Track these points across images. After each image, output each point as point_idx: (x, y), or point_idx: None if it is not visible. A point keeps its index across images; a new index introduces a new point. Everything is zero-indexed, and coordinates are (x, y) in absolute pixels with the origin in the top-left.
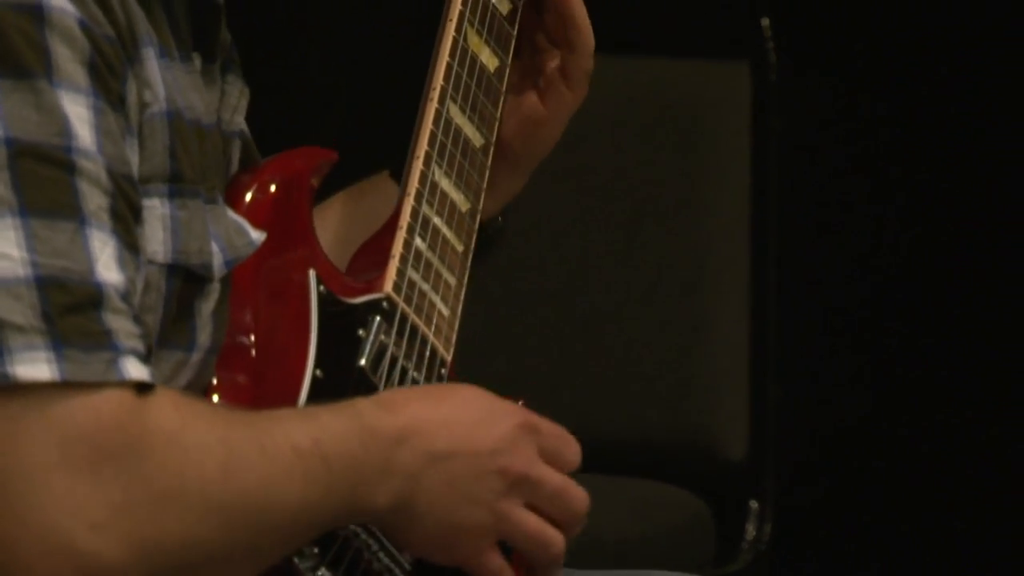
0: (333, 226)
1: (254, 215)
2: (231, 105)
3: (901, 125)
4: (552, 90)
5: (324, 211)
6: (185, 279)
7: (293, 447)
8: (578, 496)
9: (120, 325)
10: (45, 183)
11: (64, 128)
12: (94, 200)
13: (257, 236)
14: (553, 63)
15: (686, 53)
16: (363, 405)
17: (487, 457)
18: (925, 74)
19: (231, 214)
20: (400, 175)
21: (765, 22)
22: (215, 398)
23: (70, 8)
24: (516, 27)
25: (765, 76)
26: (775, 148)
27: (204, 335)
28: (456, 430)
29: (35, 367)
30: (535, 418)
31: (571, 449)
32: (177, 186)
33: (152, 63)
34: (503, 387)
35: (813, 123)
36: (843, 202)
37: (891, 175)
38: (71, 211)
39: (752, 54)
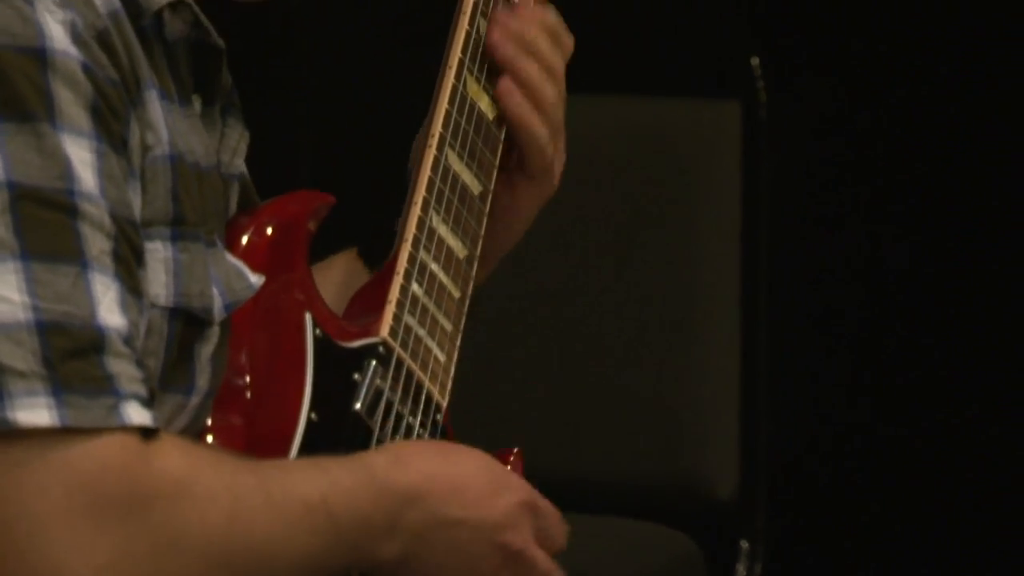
0: (332, 291)
1: (251, 258)
2: (231, 148)
3: (893, 165)
4: (518, 182)
5: (325, 272)
6: (186, 323)
7: (301, 500)
8: None
9: (122, 370)
10: (47, 227)
11: (66, 171)
12: (96, 244)
13: (256, 280)
14: (515, 155)
15: (676, 92)
16: (376, 461)
17: (491, 530)
18: (916, 113)
19: (230, 258)
20: (366, 255)
21: (755, 61)
22: (210, 439)
23: (73, 51)
24: None
25: (755, 115)
26: (765, 187)
27: (203, 379)
28: (467, 497)
29: (36, 413)
30: (536, 497)
31: (561, 531)
32: (179, 229)
33: (155, 106)
34: (494, 427)
35: (803, 162)
36: (834, 242)
37: (882, 215)
38: (73, 255)
39: (742, 93)
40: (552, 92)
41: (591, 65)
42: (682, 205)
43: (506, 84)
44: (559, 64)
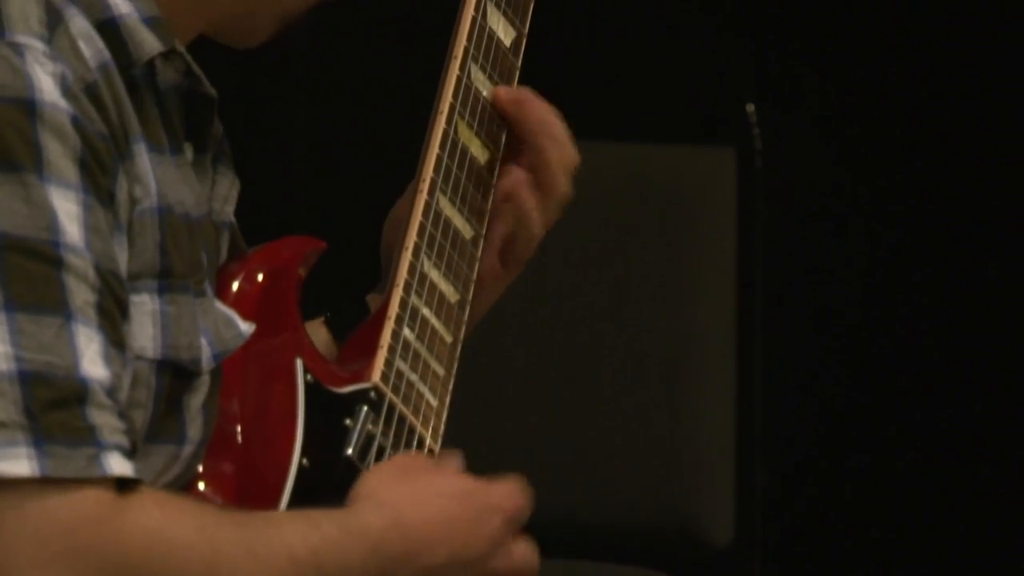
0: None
1: (242, 306)
2: (222, 196)
3: (889, 213)
4: (491, 262)
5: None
6: (174, 374)
7: (289, 554)
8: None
9: (104, 421)
10: (32, 278)
11: (52, 223)
12: (81, 296)
13: (246, 328)
14: (500, 233)
15: (671, 138)
16: (368, 518)
17: (478, 563)
18: (913, 161)
19: (220, 306)
20: (331, 323)
21: (750, 108)
22: (201, 486)
23: (63, 104)
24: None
25: (750, 161)
26: (760, 233)
27: (194, 428)
28: (454, 539)
29: (16, 463)
30: (511, 506)
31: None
32: (167, 282)
33: (143, 158)
34: (487, 470)
35: (799, 208)
36: (829, 289)
37: (879, 263)
38: (57, 306)
39: (737, 139)
40: (563, 183)
41: (587, 111)
42: (678, 251)
43: (522, 177)
44: (572, 160)
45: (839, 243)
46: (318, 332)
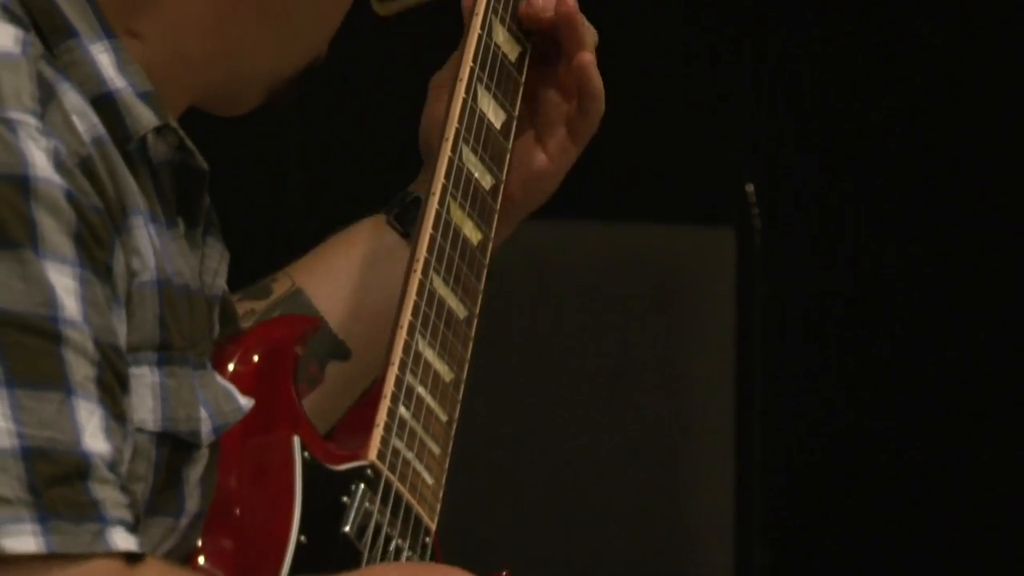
0: (344, 287)
1: (239, 382)
2: (212, 269)
3: (892, 295)
4: (558, 145)
5: (332, 268)
6: (174, 447)
7: None
8: None
9: (107, 495)
10: (31, 353)
11: (50, 298)
12: (80, 370)
13: (245, 402)
14: (560, 118)
15: (671, 218)
16: None
17: None
18: (917, 240)
19: (219, 379)
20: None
21: (750, 188)
22: (200, 561)
23: (56, 179)
24: (498, 202)
25: (749, 241)
26: (759, 312)
27: (192, 501)
28: None
29: (21, 540)
30: None
31: None
32: (166, 354)
33: (142, 231)
34: (486, 551)
35: (797, 288)
36: (829, 367)
37: (881, 343)
38: (57, 381)
39: (736, 219)
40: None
41: (587, 191)
42: (677, 331)
43: (589, 57)
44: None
45: (839, 323)
46: (383, 234)
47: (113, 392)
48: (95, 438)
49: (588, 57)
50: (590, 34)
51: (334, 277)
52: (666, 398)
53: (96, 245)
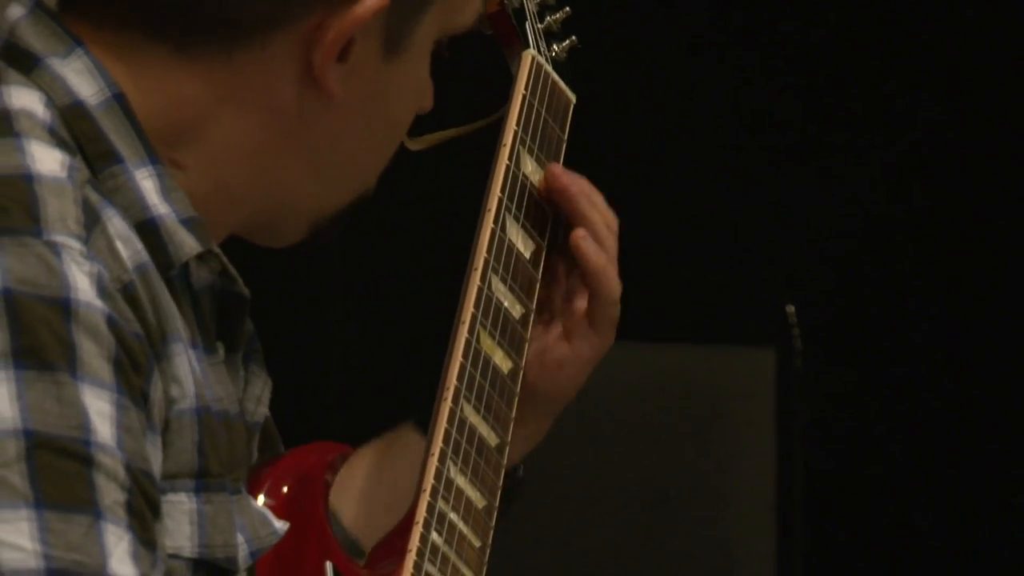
0: (359, 484)
1: (271, 507)
2: (255, 396)
3: (932, 413)
4: (578, 333)
5: (352, 466)
6: (208, 573)
7: None
8: None
9: None
10: (62, 476)
11: (84, 422)
12: (110, 495)
13: (280, 526)
14: (579, 307)
15: (711, 339)
16: None
17: None
18: (948, 347)
19: (255, 504)
20: (425, 425)
21: (790, 309)
22: None
23: (98, 303)
24: (528, 330)
25: (790, 362)
26: (800, 435)
27: None
28: None
29: None
30: None
31: None
32: (204, 481)
33: (182, 358)
34: None
35: (839, 410)
36: (868, 487)
37: (920, 465)
38: (87, 505)
39: (777, 340)
40: (614, 246)
41: (626, 312)
42: (718, 453)
43: (581, 232)
44: (614, 223)
45: (877, 443)
46: (411, 440)
47: (143, 518)
48: (122, 563)
49: (579, 233)
50: (598, 213)
51: (364, 477)
52: (707, 518)
53: (134, 371)
